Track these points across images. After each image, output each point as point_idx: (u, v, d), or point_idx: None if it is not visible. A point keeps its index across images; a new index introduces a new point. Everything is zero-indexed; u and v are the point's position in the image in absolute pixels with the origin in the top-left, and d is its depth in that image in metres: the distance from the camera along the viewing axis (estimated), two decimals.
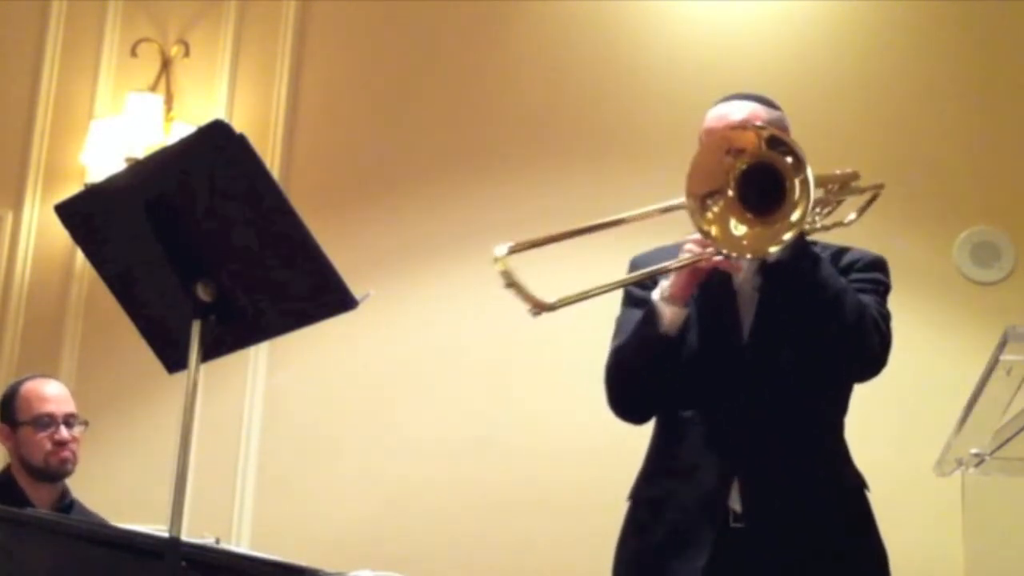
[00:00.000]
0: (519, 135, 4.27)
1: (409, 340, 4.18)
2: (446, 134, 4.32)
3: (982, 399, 2.30)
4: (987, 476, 2.83)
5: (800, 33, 4.20)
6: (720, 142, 2.12)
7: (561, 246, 2.26)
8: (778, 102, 2.38)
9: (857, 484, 2.26)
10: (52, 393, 3.22)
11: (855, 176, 2.40)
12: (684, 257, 2.18)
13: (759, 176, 2.08)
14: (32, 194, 4.43)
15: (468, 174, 4.27)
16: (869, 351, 2.20)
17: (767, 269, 2.19)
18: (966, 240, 3.92)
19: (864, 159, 4.05)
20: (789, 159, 2.06)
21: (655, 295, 2.23)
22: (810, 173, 2.04)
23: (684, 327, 2.22)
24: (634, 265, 2.38)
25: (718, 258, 2.15)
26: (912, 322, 3.86)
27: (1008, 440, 2.44)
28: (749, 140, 2.10)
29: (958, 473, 2.86)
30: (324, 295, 1.92)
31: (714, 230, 2.09)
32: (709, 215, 2.10)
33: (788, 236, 2.04)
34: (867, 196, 2.44)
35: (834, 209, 2.42)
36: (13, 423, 3.18)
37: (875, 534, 2.25)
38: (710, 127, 2.30)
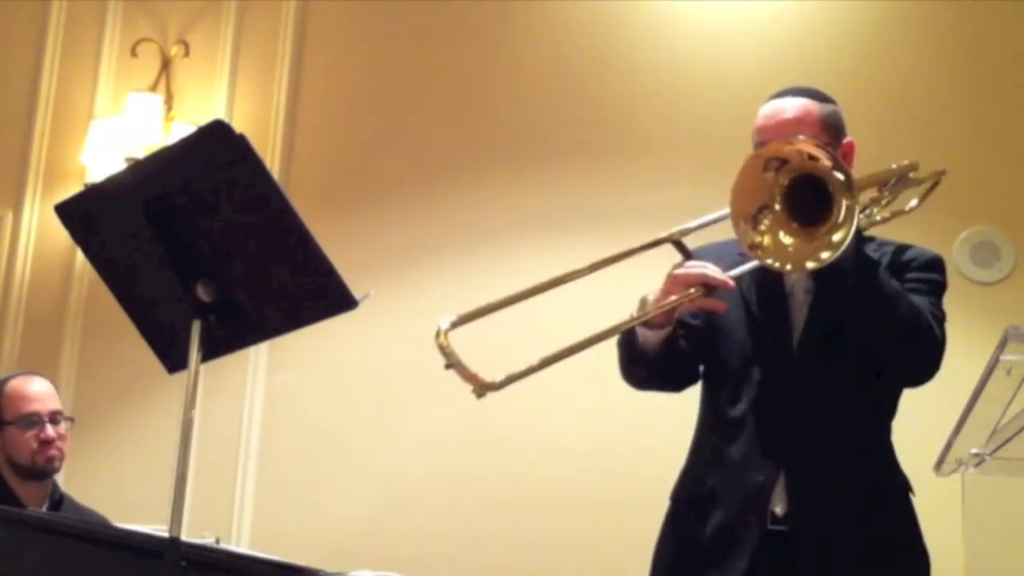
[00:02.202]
0: (519, 135, 4.27)
1: (409, 340, 4.16)
2: (446, 134, 4.32)
3: (982, 399, 2.30)
4: (987, 476, 2.83)
5: (800, 33, 4.20)
6: (757, 161, 2.06)
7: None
8: (832, 95, 2.32)
9: (903, 486, 2.24)
10: (37, 391, 3.21)
11: (913, 167, 2.34)
12: (669, 301, 2.10)
13: (806, 186, 2.03)
14: (32, 194, 4.43)
15: (468, 174, 4.27)
16: (922, 358, 2.17)
17: (817, 274, 2.12)
18: (966, 240, 3.92)
19: (864, 159, 4.07)
20: (838, 174, 2.00)
21: (634, 312, 2.16)
22: (856, 193, 1.99)
23: (673, 342, 2.18)
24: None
25: (704, 300, 2.08)
26: None
27: (1008, 440, 2.44)
28: (790, 153, 2.04)
29: (958, 473, 2.86)
30: (324, 295, 1.92)
31: (766, 240, 2.05)
32: (761, 227, 2.05)
33: (827, 255, 1.99)
34: (928, 184, 2.37)
35: (892, 200, 2.35)
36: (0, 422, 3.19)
37: (919, 538, 2.22)
38: (763, 125, 2.24)
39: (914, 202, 2.35)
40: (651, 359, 2.20)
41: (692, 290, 2.08)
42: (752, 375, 2.20)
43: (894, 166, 2.31)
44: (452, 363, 2.04)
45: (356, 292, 1.92)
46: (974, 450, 2.61)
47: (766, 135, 2.21)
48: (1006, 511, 3.27)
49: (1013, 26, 4.07)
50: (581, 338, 2.05)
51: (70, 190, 3.90)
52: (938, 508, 3.51)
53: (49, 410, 3.19)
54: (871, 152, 4.01)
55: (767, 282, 2.21)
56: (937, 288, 2.28)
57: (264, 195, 1.91)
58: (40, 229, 4.40)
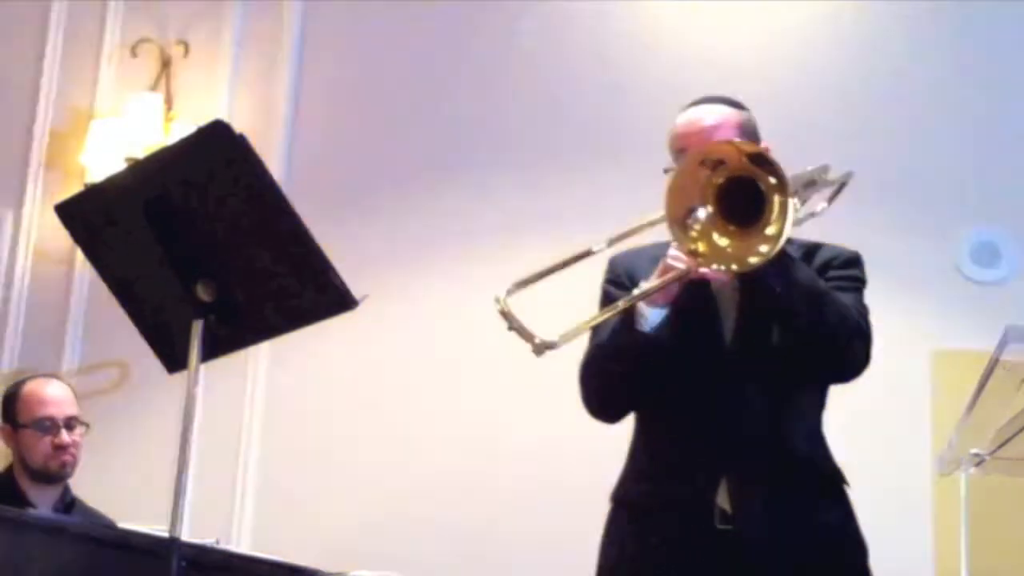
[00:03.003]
0: (520, 135, 4.27)
1: (409, 340, 4.17)
2: (446, 135, 4.32)
3: (982, 399, 2.30)
4: (987, 476, 2.83)
5: (800, 33, 4.20)
6: (696, 156, 2.10)
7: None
8: (745, 104, 2.37)
9: (839, 481, 2.27)
10: (53, 395, 3.21)
11: (825, 169, 2.39)
12: (674, 270, 2.15)
13: (738, 188, 2.07)
14: (32, 194, 4.43)
15: (468, 174, 4.27)
16: (852, 354, 2.19)
17: (742, 278, 2.17)
18: (966, 240, 3.92)
19: (864, 159, 4.06)
20: (771, 178, 2.04)
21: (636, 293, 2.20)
22: (790, 190, 2.04)
23: (665, 328, 2.21)
24: (612, 265, 2.37)
25: (704, 270, 2.12)
26: (912, 322, 3.88)
27: (1008, 440, 2.44)
28: (728, 152, 2.08)
29: (958, 473, 2.86)
30: (324, 295, 1.92)
31: (700, 247, 2.08)
32: (693, 233, 2.08)
33: (766, 249, 2.03)
34: (836, 186, 2.41)
35: (805, 202, 2.39)
36: (15, 424, 3.18)
37: (856, 531, 2.25)
38: (683, 132, 2.29)
39: (823, 204, 2.38)
40: (644, 349, 2.20)
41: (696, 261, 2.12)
42: (687, 377, 2.22)
43: (808, 168, 2.35)
44: (514, 326, 2.10)
45: (356, 292, 1.92)
46: (974, 450, 2.61)
47: (687, 141, 2.26)
48: (1006, 511, 3.27)
49: (1014, 26, 4.07)
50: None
51: (70, 190, 3.90)
52: (938, 508, 3.53)
53: (65, 415, 3.19)
54: (872, 152, 4.05)
55: (693, 284, 2.23)
56: (859, 284, 2.30)
57: (264, 195, 1.91)
58: (40, 229, 4.40)
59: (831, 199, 2.38)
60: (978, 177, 3.98)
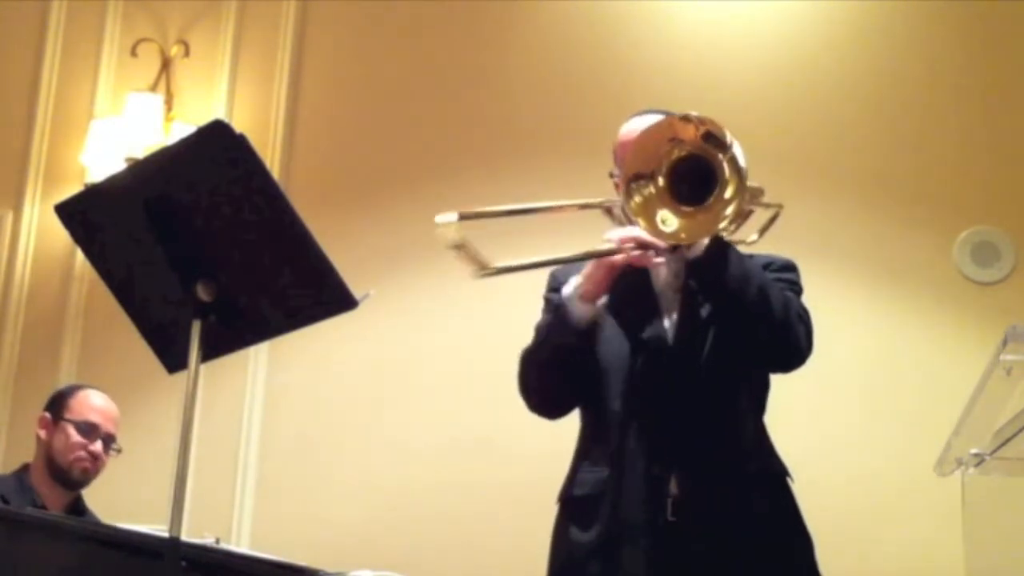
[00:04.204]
0: (519, 135, 4.27)
1: (409, 340, 4.17)
2: (446, 134, 4.32)
3: (982, 399, 2.30)
4: (987, 476, 2.83)
5: (800, 33, 4.20)
6: (665, 130, 2.15)
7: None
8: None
9: (781, 473, 2.30)
10: (106, 408, 3.27)
11: (760, 191, 2.44)
12: (604, 247, 2.22)
13: (693, 169, 2.12)
14: (32, 194, 4.43)
15: (468, 174, 4.27)
16: (796, 341, 2.22)
17: (692, 264, 2.22)
18: (966, 240, 3.92)
19: (864, 159, 4.07)
20: (722, 156, 2.10)
21: (565, 291, 2.28)
22: (743, 165, 2.09)
23: (598, 326, 2.26)
24: (552, 276, 2.43)
25: (636, 253, 2.18)
26: (912, 322, 3.88)
27: (1008, 440, 2.44)
28: (689, 133, 2.13)
29: (958, 473, 2.86)
30: (324, 295, 1.93)
31: (642, 220, 2.14)
32: (638, 198, 2.14)
33: (717, 227, 2.11)
34: (770, 214, 2.45)
35: (741, 225, 2.44)
36: (58, 417, 3.21)
37: (801, 523, 2.29)
38: (624, 141, 2.34)
39: (754, 236, 2.42)
40: (574, 345, 2.25)
41: (627, 244, 2.19)
42: (632, 375, 2.27)
43: (751, 184, 2.38)
44: (458, 244, 2.20)
45: (356, 292, 1.92)
46: (974, 450, 2.62)
47: (624, 151, 2.31)
48: (1006, 511, 3.27)
49: (1015, 26, 4.06)
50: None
51: (70, 190, 3.90)
52: (938, 508, 3.53)
53: (108, 431, 3.24)
54: (873, 152, 4.05)
55: (636, 284, 2.30)
56: (798, 288, 2.35)
57: (264, 195, 1.91)
58: (40, 229, 4.40)
59: (763, 230, 2.43)
60: (977, 177, 3.98)
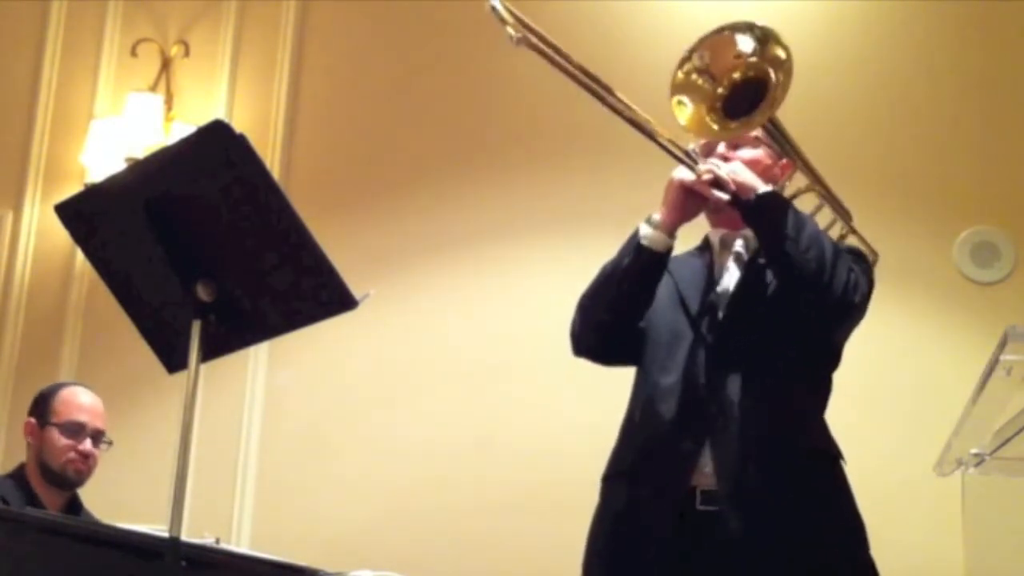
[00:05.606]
0: (519, 135, 4.26)
1: (409, 340, 4.17)
2: (446, 134, 4.32)
3: (982, 399, 2.30)
4: (987, 476, 2.83)
5: (799, 33, 4.18)
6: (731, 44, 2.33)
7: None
8: None
9: (834, 455, 2.25)
10: (90, 404, 3.24)
11: (849, 216, 2.57)
12: (675, 182, 2.28)
13: (748, 88, 2.26)
14: (32, 194, 4.44)
15: (468, 174, 4.27)
16: (844, 288, 2.17)
17: (751, 206, 2.21)
18: (966, 240, 3.92)
19: (865, 159, 4.07)
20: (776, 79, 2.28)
21: (643, 229, 2.28)
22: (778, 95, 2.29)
23: (663, 265, 2.29)
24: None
25: (708, 178, 2.22)
26: (912, 322, 3.88)
27: (1008, 440, 2.44)
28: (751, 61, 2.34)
29: (958, 473, 2.86)
30: (324, 295, 1.93)
31: (685, 114, 2.27)
32: (685, 97, 2.32)
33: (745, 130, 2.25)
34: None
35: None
36: (43, 421, 3.19)
37: (851, 505, 2.23)
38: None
39: None
40: (641, 274, 2.27)
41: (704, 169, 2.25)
42: (682, 345, 2.26)
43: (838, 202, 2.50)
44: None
45: (356, 292, 1.92)
46: (974, 450, 2.61)
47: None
48: (1006, 511, 3.27)
49: (1015, 26, 4.06)
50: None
51: (70, 190, 3.90)
52: (938, 508, 3.53)
53: (95, 427, 3.22)
54: (874, 151, 4.05)
55: (694, 266, 2.35)
56: (863, 265, 2.36)
57: (264, 195, 1.91)
58: (40, 229, 4.40)
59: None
60: (977, 177, 3.98)
